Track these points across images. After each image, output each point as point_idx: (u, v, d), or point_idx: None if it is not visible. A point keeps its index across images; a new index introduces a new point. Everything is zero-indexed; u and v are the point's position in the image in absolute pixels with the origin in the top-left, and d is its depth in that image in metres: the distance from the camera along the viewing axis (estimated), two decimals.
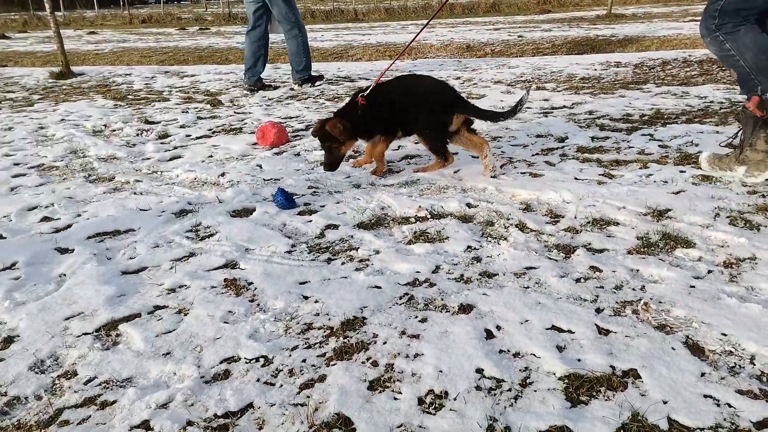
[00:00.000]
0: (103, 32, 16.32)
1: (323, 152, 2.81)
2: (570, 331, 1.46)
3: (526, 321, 1.51)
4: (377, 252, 2.01)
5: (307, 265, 1.95)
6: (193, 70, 7.33)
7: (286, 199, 2.45)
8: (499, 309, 1.58)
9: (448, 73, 6.23)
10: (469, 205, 2.37)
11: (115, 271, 1.95)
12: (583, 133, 3.39)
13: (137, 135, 3.95)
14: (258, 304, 1.71)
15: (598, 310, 1.56)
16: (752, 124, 2.41)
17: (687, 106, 3.93)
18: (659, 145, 3.06)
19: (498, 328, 1.50)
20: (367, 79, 6.05)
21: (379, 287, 1.75)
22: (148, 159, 3.36)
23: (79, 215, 2.49)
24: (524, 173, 2.75)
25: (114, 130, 4.10)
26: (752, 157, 2.43)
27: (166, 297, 1.77)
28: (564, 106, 4.20)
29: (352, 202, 2.51)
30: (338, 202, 2.52)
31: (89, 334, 1.58)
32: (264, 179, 2.91)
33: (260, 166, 3.15)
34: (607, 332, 1.46)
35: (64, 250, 2.14)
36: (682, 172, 2.62)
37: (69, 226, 2.37)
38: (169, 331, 1.58)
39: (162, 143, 3.72)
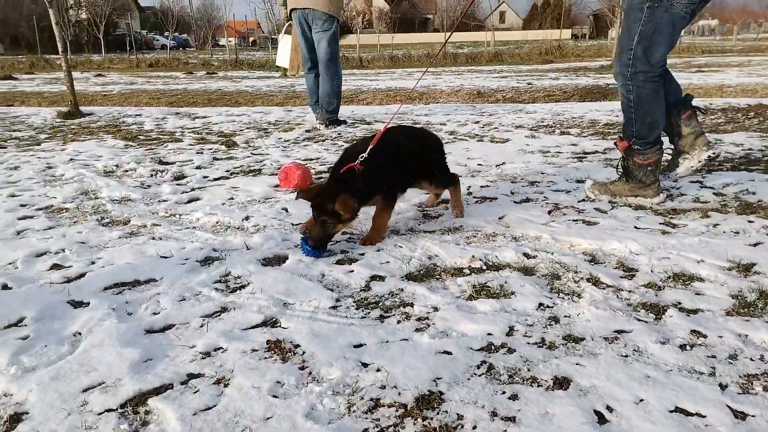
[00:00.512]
0: (110, 75, 16.47)
1: (313, 223, 2.31)
2: (700, 415, 1.21)
3: (642, 401, 1.26)
4: (436, 309, 1.77)
5: (358, 323, 1.70)
6: (204, 112, 7.24)
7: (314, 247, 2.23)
8: (603, 384, 1.33)
9: (465, 117, 6.13)
10: (526, 255, 2.15)
11: (138, 330, 1.69)
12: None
13: (151, 176, 3.76)
14: (310, 373, 1.46)
15: (722, 387, 1.31)
16: (674, 117, 3.00)
17: (727, 153, 3.79)
18: (713, 193, 2.88)
19: (609, 409, 1.25)
20: (382, 122, 5.94)
21: (450, 353, 1.51)
22: (165, 201, 3.15)
23: (93, 262, 2.25)
24: (576, 221, 2.55)
25: (126, 171, 3.90)
26: (685, 142, 3.05)
27: (200, 363, 1.51)
28: (596, 151, 4.05)
29: (394, 250, 2.29)
30: (378, 251, 2.30)
31: (113, 411, 1.32)
32: (292, 224, 2.70)
33: (286, 210, 2.94)
34: (744, 415, 1.21)
35: (78, 303, 1.90)
36: (750, 222, 2.42)
37: (82, 275, 2.13)
38: (209, 408, 1.32)
39: (178, 184, 3.52)
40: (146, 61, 21.44)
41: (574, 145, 4.33)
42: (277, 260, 2.26)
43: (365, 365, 1.48)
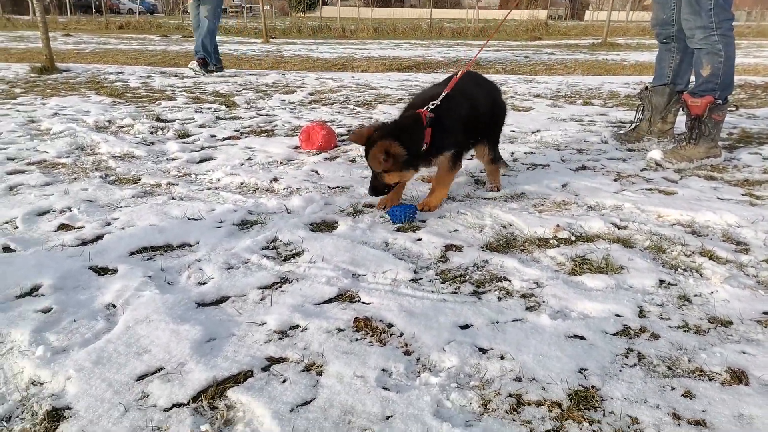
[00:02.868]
0: (79, 35, 15.47)
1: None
2: None
3: None
4: (538, 284, 1.51)
5: (452, 300, 1.43)
6: (191, 72, 6.73)
7: (404, 212, 1.94)
8: None
9: None
10: (616, 226, 1.90)
11: (188, 302, 1.38)
12: None
13: (152, 133, 3.36)
14: (418, 359, 1.18)
15: None
16: (667, 100, 2.99)
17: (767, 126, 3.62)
18: None
19: None
20: (391, 88, 5.60)
21: (583, 338, 1.25)
22: (174, 159, 2.78)
23: (109, 223, 1.91)
24: (650, 190, 2.31)
25: (122, 127, 3.49)
26: (661, 127, 3.02)
27: (279, 344, 1.22)
28: (632, 121, 3.83)
29: (458, 217, 2.01)
30: (440, 217, 2.02)
31: (184, 405, 1.02)
32: (329, 186, 2.39)
33: (316, 172, 2.62)
34: None
35: (102, 270, 1.56)
36: None
37: (100, 237, 1.79)
38: (307, 402, 1.04)
39: (184, 143, 3.14)
40: (116, 23, 20.24)
41: (603, 114, 4.10)
42: (326, 226, 1.95)
43: (483, 351, 1.21)
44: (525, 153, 2.97)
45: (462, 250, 1.74)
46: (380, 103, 4.68)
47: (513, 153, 2.97)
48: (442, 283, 1.53)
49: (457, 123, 2.02)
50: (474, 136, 2.18)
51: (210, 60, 6.57)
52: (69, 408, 1.00)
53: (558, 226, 1.88)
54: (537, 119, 3.90)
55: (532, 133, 3.46)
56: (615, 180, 2.46)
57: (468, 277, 1.57)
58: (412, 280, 1.54)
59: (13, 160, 2.66)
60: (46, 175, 2.42)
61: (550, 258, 1.68)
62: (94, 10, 26.06)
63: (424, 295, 1.45)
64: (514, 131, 3.54)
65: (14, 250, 1.67)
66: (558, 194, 2.26)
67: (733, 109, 3.23)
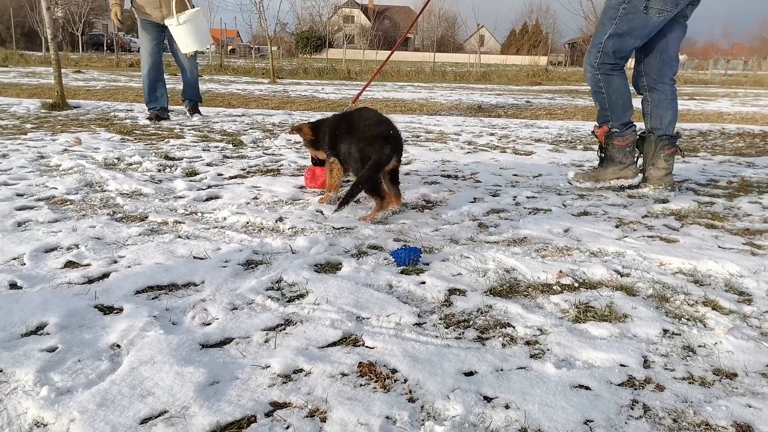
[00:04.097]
0: (90, 72, 15.87)
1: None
2: None
3: None
4: (542, 331, 1.51)
5: (456, 345, 1.43)
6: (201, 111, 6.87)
7: (408, 255, 1.96)
8: None
9: (477, 129, 5.95)
10: (619, 273, 1.91)
11: (193, 344, 1.38)
12: (681, 196, 3.04)
13: (160, 171, 3.41)
14: (422, 407, 1.17)
15: None
16: (654, 146, 3.05)
17: (767, 176, 3.67)
18: None
19: None
20: None
21: (588, 388, 1.25)
22: (182, 198, 2.82)
23: (115, 261, 1.92)
24: (651, 237, 2.34)
25: (130, 164, 3.55)
26: (655, 173, 3.07)
27: (282, 388, 1.21)
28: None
29: (461, 261, 2.03)
30: (444, 260, 2.04)
31: None
32: (334, 227, 2.41)
33: (321, 212, 2.65)
34: None
35: (108, 309, 1.57)
36: None
37: (106, 275, 1.80)
38: None
39: (191, 181, 3.19)
40: (127, 61, 20.79)
41: None
42: (330, 267, 1.97)
43: (488, 399, 1.20)
44: (527, 197, 3.01)
45: (466, 294, 1.75)
46: None
47: (515, 197, 3.01)
48: (446, 327, 1.54)
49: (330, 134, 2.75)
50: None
51: (200, 101, 6.36)
52: None
53: (561, 272, 1.89)
54: (538, 163, 3.97)
55: (534, 177, 3.51)
56: (617, 226, 2.49)
57: (472, 322, 1.57)
58: (416, 324, 1.55)
59: (22, 195, 2.70)
60: (55, 212, 2.45)
61: (553, 304, 1.68)
62: (105, 47, 26.78)
63: (428, 340, 1.45)
64: (516, 175, 3.60)
65: (21, 287, 1.68)
66: (560, 239, 2.29)
67: (680, 157, 3.38)
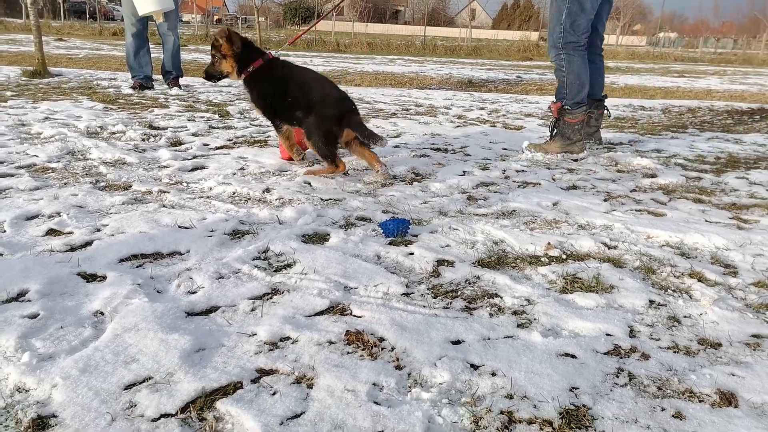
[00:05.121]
0: (72, 40, 15.43)
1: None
2: None
3: None
4: (529, 301, 1.51)
5: (444, 315, 1.43)
6: (184, 81, 6.73)
7: (397, 226, 1.95)
8: None
9: (468, 103, 5.90)
10: (606, 245, 1.92)
11: (177, 312, 1.36)
12: (669, 171, 3.05)
13: (144, 140, 3.34)
14: (409, 374, 1.17)
15: None
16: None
17: (755, 152, 3.69)
18: (767, 190, 2.73)
19: None
20: (382, 102, 5.64)
21: (574, 356, 1.25)
22: (166, 167, 2.77)
23: (99, 230, 1.89)
24: (639, 210, 2.35)
25: (114, 133, 3.47)
26: (587, 130, 3.48)
27: (269, 355, 1.21)
28: (622, 143, 3.89)
29: (450, 233, 2.02)
30: (432, 232, 2.03)
31: (172, 416, 1.00)
32: (322, 198, 2.39)
33: (309, 184, 2.62)
34: None
35: (90, 277, 1.54)
36: None
37: (89, 243, 1.77)
38: (297, 415, 1.03)
39: (176, 150, 3.13)
40: (110, 29, 20.22)
41: None
42: (318, 238, 1.95)
43: (475, 367, 1.21)
44: (516, 171, 3.00)
45: (454, 265, 1.75)
46: (373, 117, 4.71)
47: (505, 170, 3.00)
48: (434, 298, 1.53)
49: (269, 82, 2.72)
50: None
51: (181, 75, 6.06)
52: (55, 416, 0.98)
53: (549, 244, 1.89)
54: (529, 138, 3.94)
55: (523, 151, 3.50)
56: (605, 200, 2.49)
57: (460, 292, 1.57)
58: (404, 294, 1.54)
59: (2, 163, 2.63)
60: (36, 180, 2.39)
61: (541, 275, 1.69)
62: (87, 15, 26.03)
63: (416, 309, 1.45)
64: (506, 149, 3.58)
65: (1, 254, 1.64)
66: (549, 212, 2.28)
67: (602, 112, 3.59)
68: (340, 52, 17.55)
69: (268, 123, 2.94)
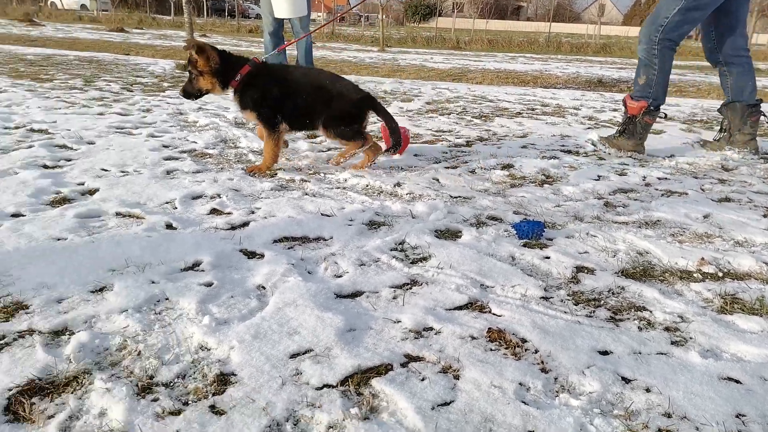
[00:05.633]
0: (214, 36, 16.87)
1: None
2: None
3: None
4: (683, 319, 1.42)
5: (587, 323, 1.39)
6: None
7: (531, 228, 1.93)
8: None
9: (599, 104, 5.60)
10: None
11: (328, 293, 1.47)
12: None
13: None
14: (556, 378, 1.16)
15: None
16: (739, 114, 3.23)
17: None
18: None
19: None
20: (508, 101, 5.53)
21: (738, 381, 1.16)
22: (305, 158, 2.95)
23: (253, 212, 2.07)
24: None
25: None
26: (740, 138, 3.27)
27: (415, 343, 1.26)
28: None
29: (587, 239, 1.95)
30: (568, 237, 1.97)
31: (333, 387, 1.08)
32: (451, 195, 2.41)
33: (437, 180, 2.66)
34: None
35: (250, 254, 1.70)
36: None
37: (246, 223, 1.95)
38: (447, 403, 1.06)
39: (313, 143, 3.33)
40: (246, 26, 21.85)
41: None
42: (450, 234, 1.98)
43: (626, 380, 1.16)
44: (658, 178, 2.81)
45: (594, 273, 1.69)
46: (498, 116, 4.65)
47: (645, 177, 2.82)
48: (575, 304, 1.50)
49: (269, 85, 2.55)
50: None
51: None
52: (234, 374, 1.10)
53: (703, 259, 1.76)
54: (670, 143, 3.67)
55: (666, 158, 3.26)
56: (765, 216, 2.25)
57: (603, 302, 1.52)
58: (542, 297, 1.52)
59: (168, 147, 2.97)
60: (197, 164, 2.67)
61: (694, 292, 1.58)
62: (227, 13, 28.29)
63: (557, 314, 1.43)
64: (649, 155, 3.36)
65: (175, 228, 1.86)
66: (699, 225, 2.12)
67: (662, 117, 3.37)
68: (460, 49, 17.45)
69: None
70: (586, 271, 1.71)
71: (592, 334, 1.33)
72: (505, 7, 60.98)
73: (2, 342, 1.18)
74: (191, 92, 2.56)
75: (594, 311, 1.46)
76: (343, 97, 2.61)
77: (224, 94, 2.63)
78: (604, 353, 1.26)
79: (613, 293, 1.57)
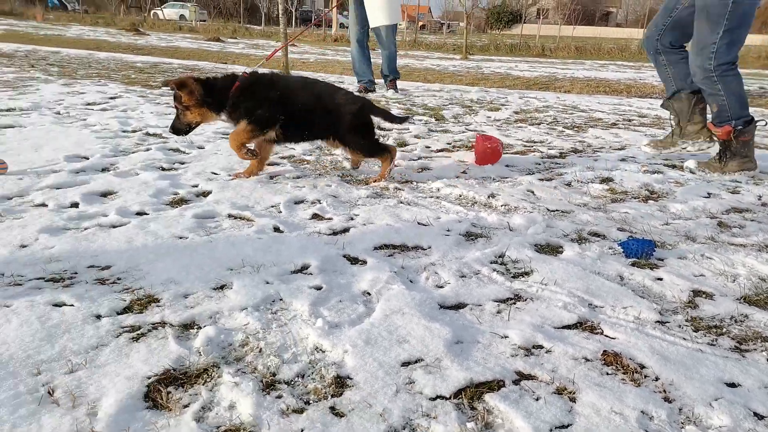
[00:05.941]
0: (302, 45, 17.54)
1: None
2: None
3: None
4: None
5: (710, 352, 1.30)
6: (399, 85, 7.18)
7: (641, 247, 1.85)
8: None
9: None
10: None
11: (432, 303, 1.48)
12: None
13: None
14: (680, 409, 1.10)
15: None
16: (687, 104, 3.22)
17: None
18: None
19: None
20: (602, 111, 5.32)
21: None
22: (397, 166, 2.99)
23: (352, 218, 2.13)
24: None
25: None
26: (692, 129, 3.26)
27: (525, 360, 1.24)
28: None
29: (702, 261, 1.83)
30: (681, 258, 1.86)
31: (447, 399, 1.09)
32: (548, 209, 2.35)
33: (532, 192, 2.60)
34: None
35: (353, 260, 1.75)
36: None
37: (346, 229, 2.00)
38: (564, 426, 1.03)
39: (403, 151, 3.36)
40: (331, 36, 22.53)
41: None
42: (551, 249, 1.93)
43: (759, 416, 1.08)
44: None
45: (713, 298, 1.58)
46: (591, 127, 4.48)
47: (761, 197, 2.62)
48: (695, 331, 1.41)
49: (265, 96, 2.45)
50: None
51: (398, 77, 6.51)
52: (350, 378, 1.14)
53: None
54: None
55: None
56: None
57: (725, 330, 1.42)
58: (657, 321, 1.45)
59: None
60: (296, 169, 2.79)
61: None
62: (312, 22, 29.32)
63: (676, 340, 1.35)
64: (760, 171, 3.11)
65: (282, 231, 1.95)
66: None
67: (764, 123, 3.08)
68: (545, 56, 17.01)
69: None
70: (704, 295, 1.60)
71: (717, 364, 1.25)
72: (592, 12, 58.68)
73: (139, 333, 1.29)
74: (180, 128, 2.50)
75: (716, 339, 1.37)
76: (346, 107, 2.55)
77: (219, 119, 2.54)
78: (732, 385, 1.18)
79: (735, 321, 1.46)
